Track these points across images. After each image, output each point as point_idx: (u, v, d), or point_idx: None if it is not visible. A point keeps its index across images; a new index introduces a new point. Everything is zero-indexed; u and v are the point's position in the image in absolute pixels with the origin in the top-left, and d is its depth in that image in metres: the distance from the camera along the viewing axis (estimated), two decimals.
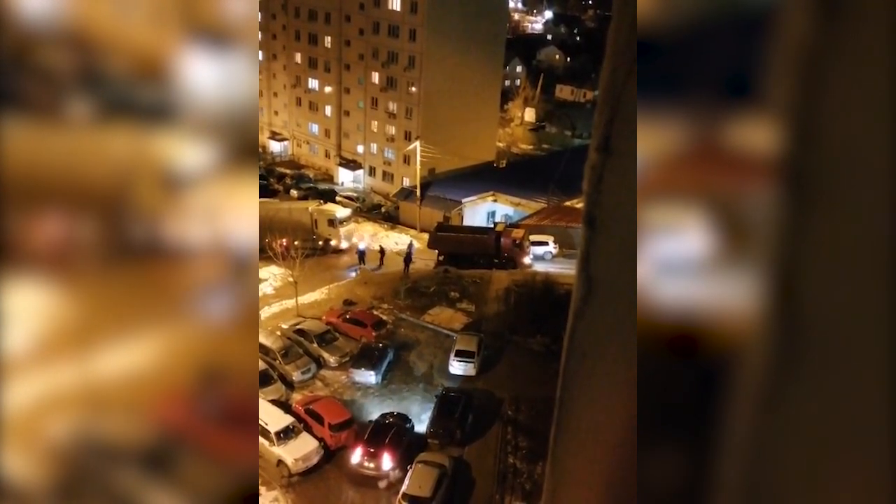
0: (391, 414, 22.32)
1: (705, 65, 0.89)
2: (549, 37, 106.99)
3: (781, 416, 0.82)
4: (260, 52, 63.83)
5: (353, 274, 35.60)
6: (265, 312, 29.75)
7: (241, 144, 3.21)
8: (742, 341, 0.86)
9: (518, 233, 36.17)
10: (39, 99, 3.03)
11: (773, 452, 0.84)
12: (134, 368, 3.19)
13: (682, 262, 0.93)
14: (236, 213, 3.26)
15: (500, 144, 62.29)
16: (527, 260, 34.97)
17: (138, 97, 3.12)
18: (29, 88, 3.02)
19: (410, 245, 36.95)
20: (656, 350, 0.93)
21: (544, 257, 35.50)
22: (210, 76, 3.12)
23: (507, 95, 69.23)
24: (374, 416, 22.26)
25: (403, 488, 18.61)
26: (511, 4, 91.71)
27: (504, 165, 55.03)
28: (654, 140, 0.91)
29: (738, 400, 0.86)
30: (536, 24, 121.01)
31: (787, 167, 0.79)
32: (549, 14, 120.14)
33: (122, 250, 3.19)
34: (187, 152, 3.15)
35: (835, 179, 0.76)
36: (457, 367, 24.91)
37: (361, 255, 36.66)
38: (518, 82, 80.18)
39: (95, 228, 3.15)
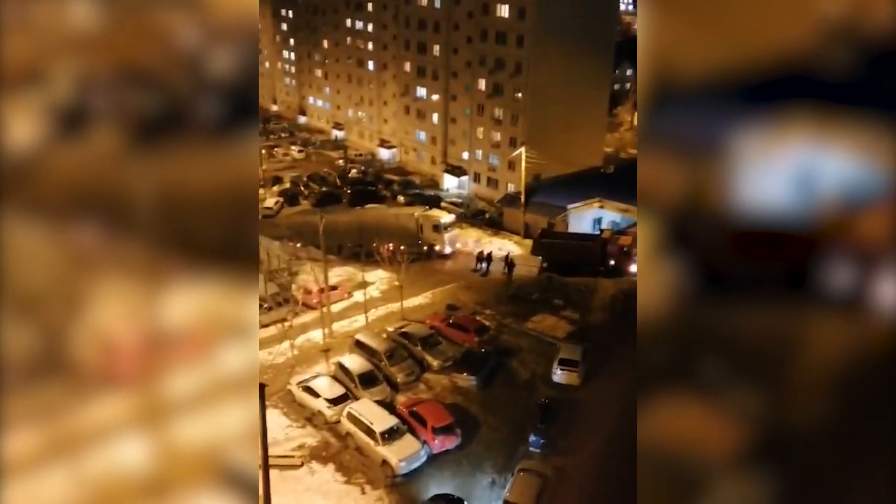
0: (445, 497, 18.84)
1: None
2: None
3: None
4: (371, 63, 65.97)
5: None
6: (372, 315, 30.61)
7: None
8: None
9: (626, 240, 35.26)
10: None
11: None
12: None
13: None
14: None
15: (609, 149, 60.93)
16: (634, 268, 34.01)
17: None
18: None
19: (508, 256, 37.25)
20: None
21: None
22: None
23: (616, 99, 67.68)
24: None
25: (505, 495, 18.55)
26: (621, 7, 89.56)
27: (611, 170, 53.72)
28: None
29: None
30: None
31: None
32: None
33: None
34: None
35: None
36: (560, 376, 24.59)
37: (488, 258, 37.63)
38: (628, 85, 78.17)
39: None
